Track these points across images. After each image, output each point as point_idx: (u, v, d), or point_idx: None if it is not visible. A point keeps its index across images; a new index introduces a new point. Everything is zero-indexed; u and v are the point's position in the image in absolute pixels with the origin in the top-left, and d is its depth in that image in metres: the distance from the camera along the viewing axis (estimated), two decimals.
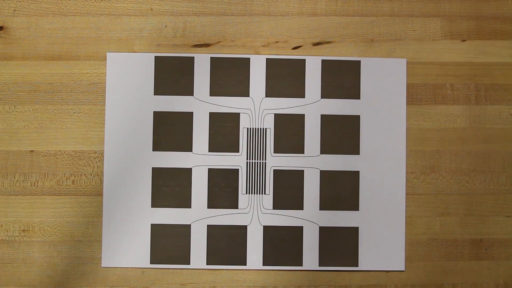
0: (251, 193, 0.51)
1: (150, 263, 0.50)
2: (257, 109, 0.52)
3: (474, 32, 0.54)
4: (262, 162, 0.52)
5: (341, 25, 0.53)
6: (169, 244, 0.51)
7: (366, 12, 0.54)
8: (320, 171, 0.52)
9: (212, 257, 0.51)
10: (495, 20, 0.54)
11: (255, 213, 0.51)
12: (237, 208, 0.51)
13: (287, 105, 0.52)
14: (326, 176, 0.51)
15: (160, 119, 0.51)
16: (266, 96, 0.52)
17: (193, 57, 0.52)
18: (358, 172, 0.52)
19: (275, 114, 0.52)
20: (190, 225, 0.51)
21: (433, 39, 0.54)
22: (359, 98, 0.52)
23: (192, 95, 0.52)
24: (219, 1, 0.53)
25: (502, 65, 0.53)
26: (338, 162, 0.52)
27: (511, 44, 0.54)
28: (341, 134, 0.52)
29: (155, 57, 0.52)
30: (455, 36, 0.54)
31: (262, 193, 0.51)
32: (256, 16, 0.53)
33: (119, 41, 0.52)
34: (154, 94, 0.52)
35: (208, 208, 0.51)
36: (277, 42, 0.53)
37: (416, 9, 0.54)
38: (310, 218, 0.51)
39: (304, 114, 0.52)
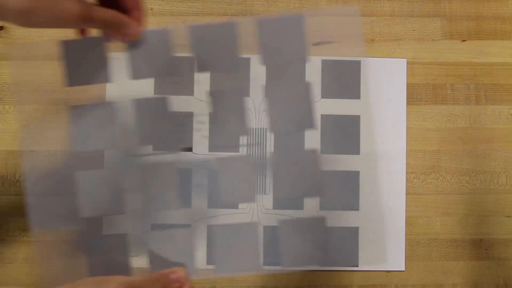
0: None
1: (149, 267, 0.50)
2: (257, 109, 0.52)
3: (474, 32, 0.54)
4: (262, 162, 0.52)
5: (342, 25, 0.53)
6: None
7: (366, 12, 0.54)
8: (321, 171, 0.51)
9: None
10: (495, 20, 0.54)
11: (255, 213, 0.51)
12: (237, 208, 0.51)
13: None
14: (326, 176, 0.51)
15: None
16: (266, 96, 0.52)
17: (193, 57, 0.52)
18: (358, 172, 0.52)
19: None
20: (190, 225, 0.51)
21: (433, 39, 0.54)
22: (359, 98, 0.52)
23: (193, 95, 0.52)
24: (219, 1, 0.53)
25: (502, 65, 0.53)
26: (338, 162, 0.52)
27: (511, 44, 0.54)
28: (341, 134, 0.52)
29: None
30: (455, 36, 0.54)
31: (262, 193, 0.51)
32: (256, 16, 0.53)
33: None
34: (154, 94, 0.52)
35: (208, 208, 0.51)
36: None
37: (416, 9, 0.54)
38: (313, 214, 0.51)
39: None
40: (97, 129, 0.44)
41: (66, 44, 0.44)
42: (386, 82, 0.53)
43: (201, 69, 0.44)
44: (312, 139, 0.52)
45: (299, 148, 0.49)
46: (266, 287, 0.51)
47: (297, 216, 0.51)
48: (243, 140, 0.52)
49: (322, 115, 0.52)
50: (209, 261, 0.51)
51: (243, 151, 0.51)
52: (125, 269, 0.44)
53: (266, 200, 0.51)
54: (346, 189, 0.51)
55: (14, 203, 0.51)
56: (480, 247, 0.52)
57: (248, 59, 0.52)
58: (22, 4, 0.33)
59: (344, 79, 0.52)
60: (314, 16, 0.44)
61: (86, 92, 0.52)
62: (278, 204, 0.51)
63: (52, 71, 0.50)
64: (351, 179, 0.51)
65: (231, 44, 0.44)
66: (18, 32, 0.52)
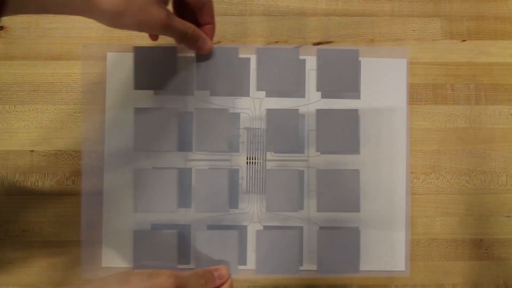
0: (251, 193, 0.51)
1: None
2: (257, 109, 0.52)
3: (474, 32, 0.54)
4: (262, 162, 0.52)
5: (341, 25, 0.53)
6: None
7: (367, 12, 0.54)
8: (315, 170, 0.52)
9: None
10: (495, 20, 0.54)
11: (255, 213, 0.51)
12: (237, 208, 0.51)
13: (288, 105, 0.52)
14: (326, 176, 0.51)
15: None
16: (266, 96, 0.52)
17: (194, 57, 0.52)
18: (358, 170, 0.52)
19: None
20: (190, 225, 0.51)
21: (433, 39, 0.54)
22: (359, 98, 0.52)
23: (193, 95, 0.52)
24: (219, 1, 0.53)
25: (502, 65, 0.53)
26: (338, 162, 0.52)
27: (511, 44, 0.54)
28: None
29: None
30: (455, 36, 0.54)
31: (262, 193, 0.51)
32: (256, 16, 0.53)
33: (119, 41, 0.52)
34: (155, 94, 0.51)
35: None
36: (277, 42, 0.53)
37: (416, 9, 0.54)
38: (311, 218, 0.51)
39: (304, 114, 0.52)
40: (159, 132, 0.49)
41: (139, 50, 0.49)
42: (386, 82, 0.53)
43: (261, 88, 0.50)
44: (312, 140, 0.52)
45: (342, 168, 0.51)
46: (266, 286, 0.51)
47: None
48: (243, 140, 0.52)
49: (318, 110, 0.52)
50: (250, 261, 0.51)
51: (243, 150, 0.51)
52: (171, 265, 0.48)
53: (256, 201, 0.51)
54: (346, 189, 0.51)
55: (14, 203, 0.51)
56: (480, 247, 0.52)
57: (248, 59, 0.52)
58: (116, 6, 0.36)
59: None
60: (366, 51, 0.51)
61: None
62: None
63: (120, 73, 0.51)
64: (351, 179, 0.51)
65: (294, 67, 0.49)
66: (18, 32, 0.52)
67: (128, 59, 0.52)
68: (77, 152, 0.51)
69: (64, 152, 0.51)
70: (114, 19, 0.38)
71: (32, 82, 0.52)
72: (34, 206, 0.51)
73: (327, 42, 0.53)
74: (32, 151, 0.51)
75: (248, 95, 0.52)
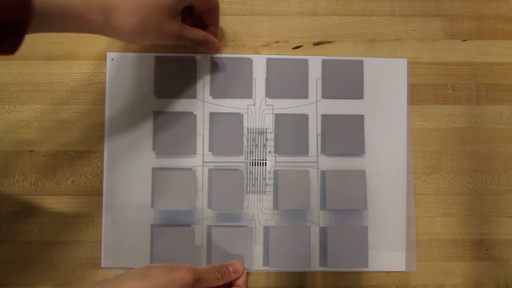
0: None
1: (150, 263, 0.50)
2: (257, 109, 0.52)
3: (475, 32, 0.54)
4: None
5: (342, 24, 0.53)
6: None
7: (367, 12, 0.53)
8: (321, 171, 0.51)
9: (212, 258, 0.50)
10: (496, 20, 0.54)
11: (255, 212, 0.51)
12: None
13: (289, 105, 0.52)
14: (326, 176, 0.51)
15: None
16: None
17: (193, 57, 0.52)
18: (364, 171, 0.51)
19: (276, 114, 0.52)
20: (190, 225, 0.51)
21: (434, 39, 0.53)
22: (362, 98, 0.52)
23: (195, 97, 0.52)
24: (219, 1, 0.52)
25: (503, 65, 0.53)
26: (343, 164, 0.52)
27: None
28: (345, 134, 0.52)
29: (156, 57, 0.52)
30: (456, 36, 0.54)
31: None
32: (256, 16, 0.53)
33: (119, 41, 0.52)
34: (157, 98, 0.51)
35: (208, 208, 0.51)
36: (277, 42, 0.53)
37: (417, 8, 0.54)
38: (311, 219, 0.51)
39: (310, 117, 0.52)
40: (178, 135, 0.51)
41: (160, 59, 0.51)
42: (387, 82, 0.52)
43: (271, 95, 0.52)
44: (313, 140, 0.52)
45: (348, 169, 0.51)
46: (268, 287, 0.51)
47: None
48: (244, 140, 0.52)
49: (324, 115, 0.52)
50: (264, 257, 0.51)
51: (243, 151, 0.51)
52: (188, 259, 0.49)
53: (266, 200, 0.51)
54: (351, 191, 0.51)
55: (14, 203, 0.51)
56: (481, 248, 0.52)
57: (249, 59, 0.52)
58: (133, 28, 0.40)
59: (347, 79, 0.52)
60: (369, 61, 0.52)
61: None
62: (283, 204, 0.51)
63: (120, 73, 0.52)
64: (356, 179, 0.51)
65: (302, 76, 0.52)
66: None
67: (128, 59, 0.52)
68: (77, 152, 0.51)
69: (64, 152, 0.51)
70: (132, 38, 0.41)
71: (32, 82, 0.52)
72: (34, 206, 0.51)
73: (328, 42, 0.53)
74: (32, 151, 0.51)
75: (250, 97, 0.52)
